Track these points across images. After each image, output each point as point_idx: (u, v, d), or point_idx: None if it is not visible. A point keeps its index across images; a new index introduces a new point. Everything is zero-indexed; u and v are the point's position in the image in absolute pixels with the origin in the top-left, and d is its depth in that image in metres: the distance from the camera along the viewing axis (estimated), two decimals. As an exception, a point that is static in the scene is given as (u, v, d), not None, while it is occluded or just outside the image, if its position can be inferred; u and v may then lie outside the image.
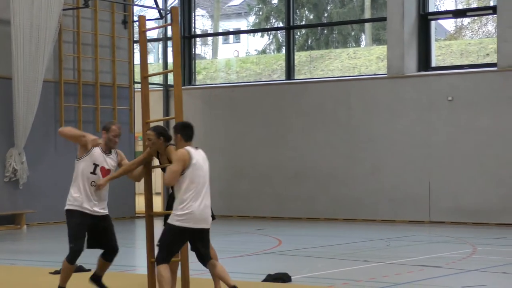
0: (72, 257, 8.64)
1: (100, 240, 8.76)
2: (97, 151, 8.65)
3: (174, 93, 8.71)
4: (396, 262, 12.06)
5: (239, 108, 21.77)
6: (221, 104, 22.09)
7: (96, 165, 8.61)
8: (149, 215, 8.66)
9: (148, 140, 8.52)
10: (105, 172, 8.65)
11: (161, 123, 8.95)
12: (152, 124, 8.73)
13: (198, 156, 8.16)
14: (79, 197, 8.60)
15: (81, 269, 10.68)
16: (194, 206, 7.98)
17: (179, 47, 8.72)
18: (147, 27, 9.13)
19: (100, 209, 8.68)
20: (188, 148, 8.12)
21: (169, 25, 8.80)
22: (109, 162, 8.70)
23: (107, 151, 8.71)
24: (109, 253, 8.83)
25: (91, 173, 8.59)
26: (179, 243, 8.15)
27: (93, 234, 8.73)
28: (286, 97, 21.23)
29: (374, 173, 19.99)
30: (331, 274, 11.00)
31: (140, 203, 21.60)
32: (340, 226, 18.89)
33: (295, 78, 22.00)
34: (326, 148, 20.59)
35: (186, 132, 8.25)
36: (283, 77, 22.33)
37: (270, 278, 10.11)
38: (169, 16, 22.73)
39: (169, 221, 8.09)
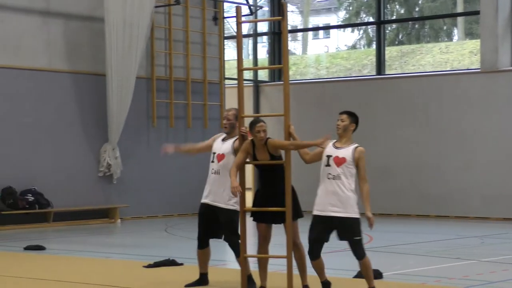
0: (198, 243, 8.89)
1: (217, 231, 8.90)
2: (217, 141, 8.99)
3: (284, 89, 8.74)
4: (490, 260, 11.82)
5: (329, 103, 21.68)
6: (311, 99, 22.04)
7: (214, 153, 8.92)
8: (243, 211, 8.70)
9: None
10: (219, 157, 8.83)
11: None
12: (247, 119, 8.79)
13: None
14: (205, 190, 8.89)
15: (173, 263, 10.81)
16: None
17: (287, 43, 8.74)
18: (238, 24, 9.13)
19: (211, 200, 8.83)
20: None
21: (278, 19, 8.86)
22: (224, 147, 8.85)
23: (227, 137, 8.94)
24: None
25: (211, 162, 8.89)
26: None
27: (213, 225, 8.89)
28: (376, 92, 21.06)
29: (466, 169, 19.65)
30: (423, 271, 10.86)
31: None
32: (431, 223, 18.63)
33: (386, 73, 21.80)
34: (417, 144, 20.34)
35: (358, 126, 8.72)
36: (374, 73, 22.15)
37: (361, 274, 10.03)
38: (259, 12, 22.83)
39: (355, 215, 8.24)
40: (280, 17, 8.60)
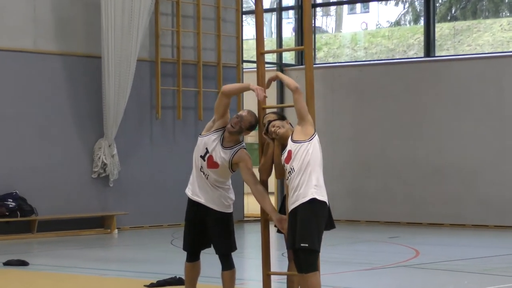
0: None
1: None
2: (214, 136, 8.66)
3: (306, 75, 8.64)
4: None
5: (368, 91, 21.65)
6: (346, 86, 22.02)
7: (206, 149, 8.67)
8: (265, 219, 8.63)
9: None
10: (212, 163, 8.63)
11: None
12: (269, 110, 8.74)
13: None
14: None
15: (180, 282, 10.81)
16: None
17: (311, 21, 8.67)
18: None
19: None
20: None
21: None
22: (221, 155, 8.60)
23: (227, 141, 8.66)
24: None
25: (200, 156, 8.68)
26: None
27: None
28: (425, 78, 21.00)
29: (532, 171, 19.61)
30: (480, 293, 10.84)
31: (249, 204, 21.75)
32: (490, 234, 18.60)
33: (436, 55, 21.72)
34: (473, 139, 20.26)
35: None
36: (421, 54, 22.10)
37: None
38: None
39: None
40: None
